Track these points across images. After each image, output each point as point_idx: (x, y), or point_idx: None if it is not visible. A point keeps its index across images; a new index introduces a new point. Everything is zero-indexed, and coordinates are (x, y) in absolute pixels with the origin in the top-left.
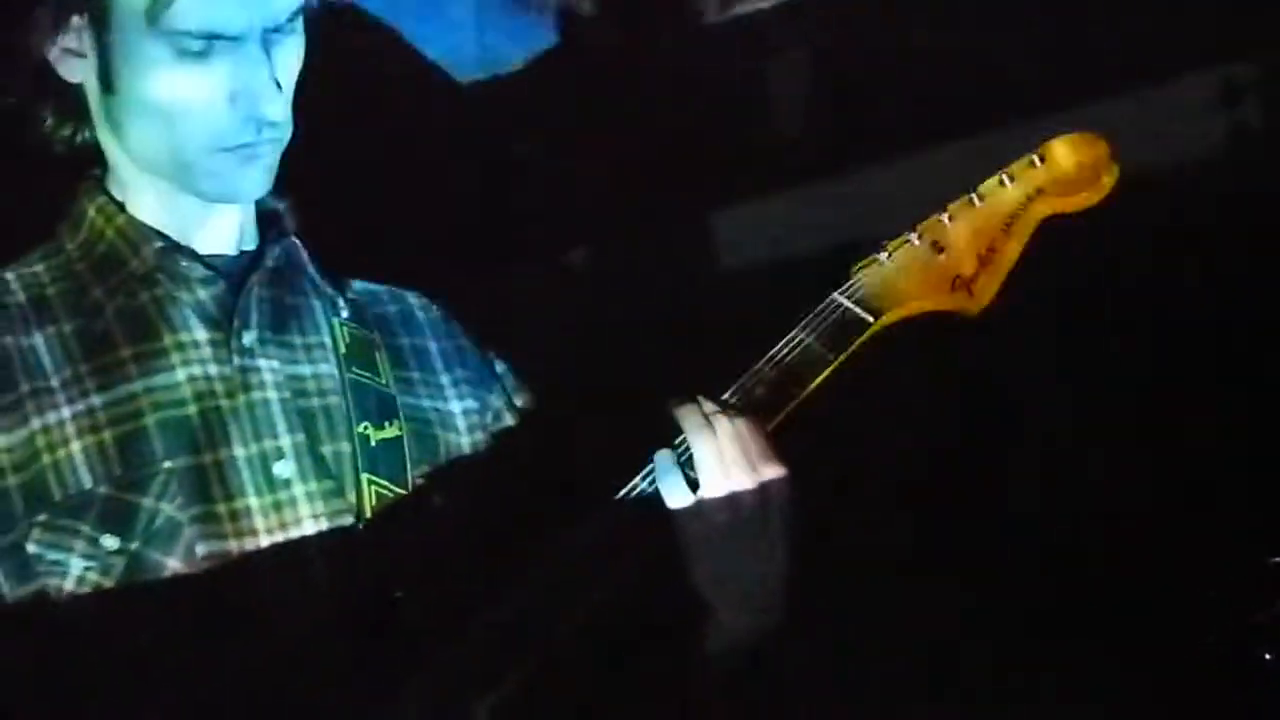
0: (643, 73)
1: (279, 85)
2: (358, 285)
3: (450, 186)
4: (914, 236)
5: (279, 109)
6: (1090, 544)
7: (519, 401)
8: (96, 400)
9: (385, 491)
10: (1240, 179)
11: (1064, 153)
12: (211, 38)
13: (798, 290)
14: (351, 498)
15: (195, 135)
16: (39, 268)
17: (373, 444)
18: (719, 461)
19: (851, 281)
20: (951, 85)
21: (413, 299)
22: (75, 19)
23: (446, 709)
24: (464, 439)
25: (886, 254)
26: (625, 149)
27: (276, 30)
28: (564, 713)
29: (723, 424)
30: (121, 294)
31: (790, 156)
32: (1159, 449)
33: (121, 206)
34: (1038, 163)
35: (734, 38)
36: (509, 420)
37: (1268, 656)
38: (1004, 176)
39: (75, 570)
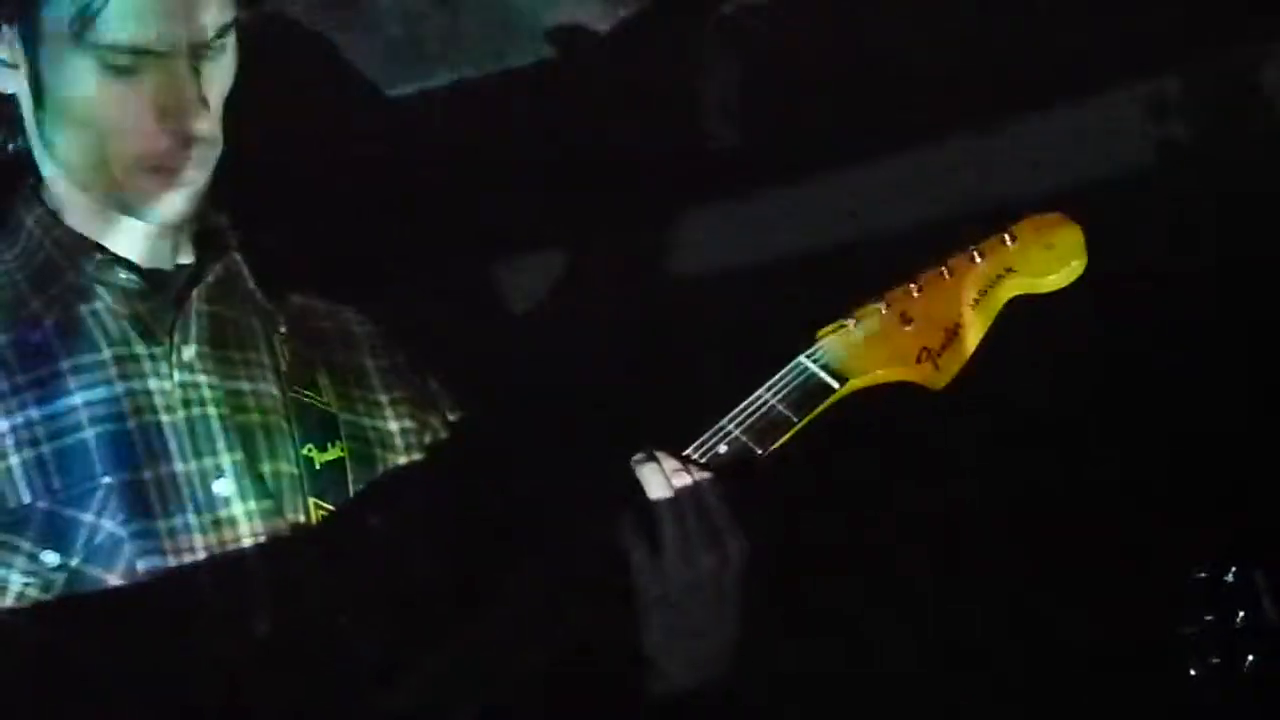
0: (582, 79)
1: (206, 102)
2: (296, 300)
3: (386, 200)
4: (882, 305)
5: (207, 125)
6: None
7: (453, 420)
8: (34, 413)
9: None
10: (1170, 193)
11: (1035, 234)
12: (138, 53)
13: (752, 303)
14: (291, 517)
15: (123, 151)
16: None
17: (317, 466)
18: (678, 524)
19: (818, 346)
20: (908, 90)
21: (350, 315)
22: (5, 29)
23: None
24: (402, 458)
25: (854, 321)
26: (566, 159)
27: (205, 46)
28: None
29: (684, 484)
30: (59, 306)
31: (740, 165)
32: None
33: (58, 217)
34: (1008, 241)
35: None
36: (445, 439)
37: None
38: (975, 253)
39: (15, 586)
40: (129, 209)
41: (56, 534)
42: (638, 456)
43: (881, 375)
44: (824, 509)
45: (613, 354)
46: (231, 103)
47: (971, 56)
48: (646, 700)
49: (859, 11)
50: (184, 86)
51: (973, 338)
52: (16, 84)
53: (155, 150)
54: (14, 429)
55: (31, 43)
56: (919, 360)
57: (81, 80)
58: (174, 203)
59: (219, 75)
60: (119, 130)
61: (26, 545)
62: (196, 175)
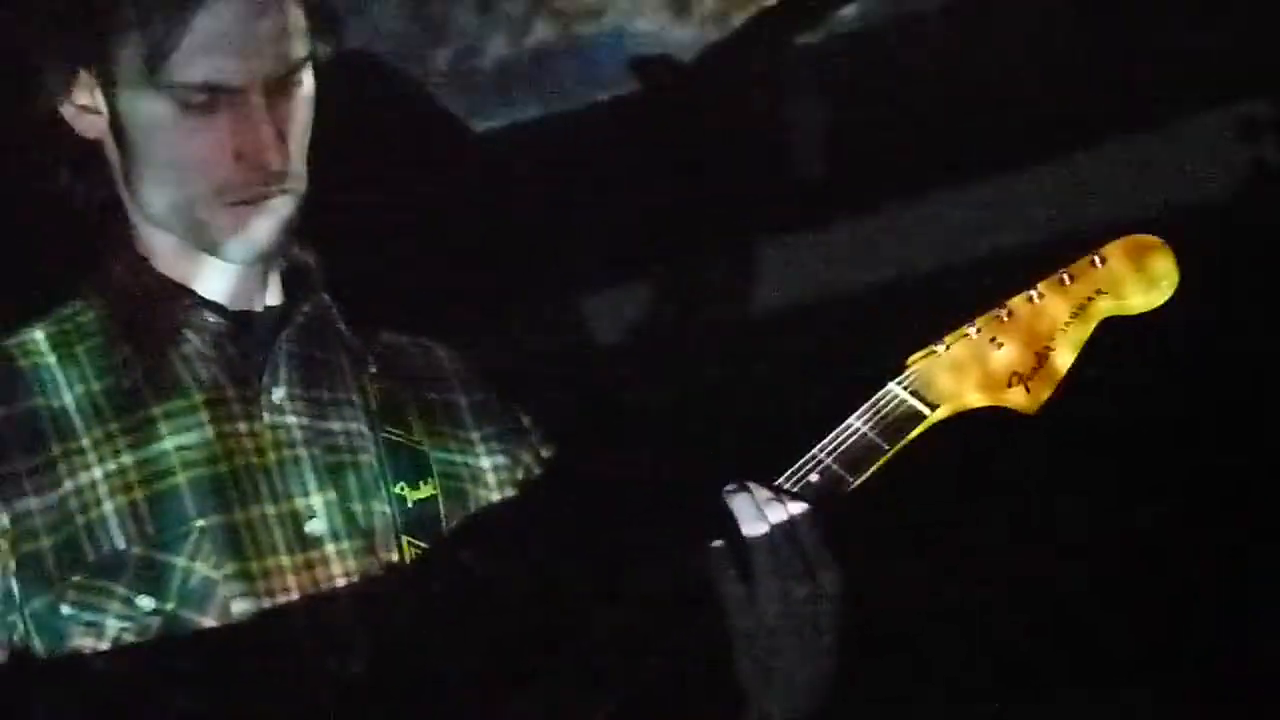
0: (667, 111)
1: (284, 137)
2: (385, 338)
3: (474, 234)
4: (973, 330)
5: (285, 161)
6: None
7: (546, 455)
8: (128, 459)
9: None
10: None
11: (1126, 256)
12: (213, 90)
13: (842, 330)
14: (384, 556)
15: (203, 189)
16: (67, 326)
17: (409, 504)
18: (771, 555)
19: (908, 372)
20: (995, 114)
21: (440, 352)
22: (84, 75)
23: None
24: (494, 495)
25: (945, 346)
26: (653, 191)
27: (280, 82)
28: None
29: (777, 514)
30: (150, 351)
31: (828, 193)
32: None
33: (147, 263)
34: (1098, 263)
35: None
36: (538, 475)
37: None
38: (1065, 275)
39: (111, 631)
40: (213, 248)
41: (151, 578)
42: (729, 487)
43: (973, 401)
44: (917, 537)
45: (702, 384)
46: (317, 140)
47: (1059, 80)
48: None
49: (944, 39)
50: (260, 123)
51: (1064, 361)
52: (99, 129)
53: (234, 186)
54: (108, 475)
55: (110, 86)
56: (1010, 385)
57: (159, 120)
58: (257, 239)
59: (296, 111)
60: (198, 168)
61: (121, 590)
62: (278, 211)
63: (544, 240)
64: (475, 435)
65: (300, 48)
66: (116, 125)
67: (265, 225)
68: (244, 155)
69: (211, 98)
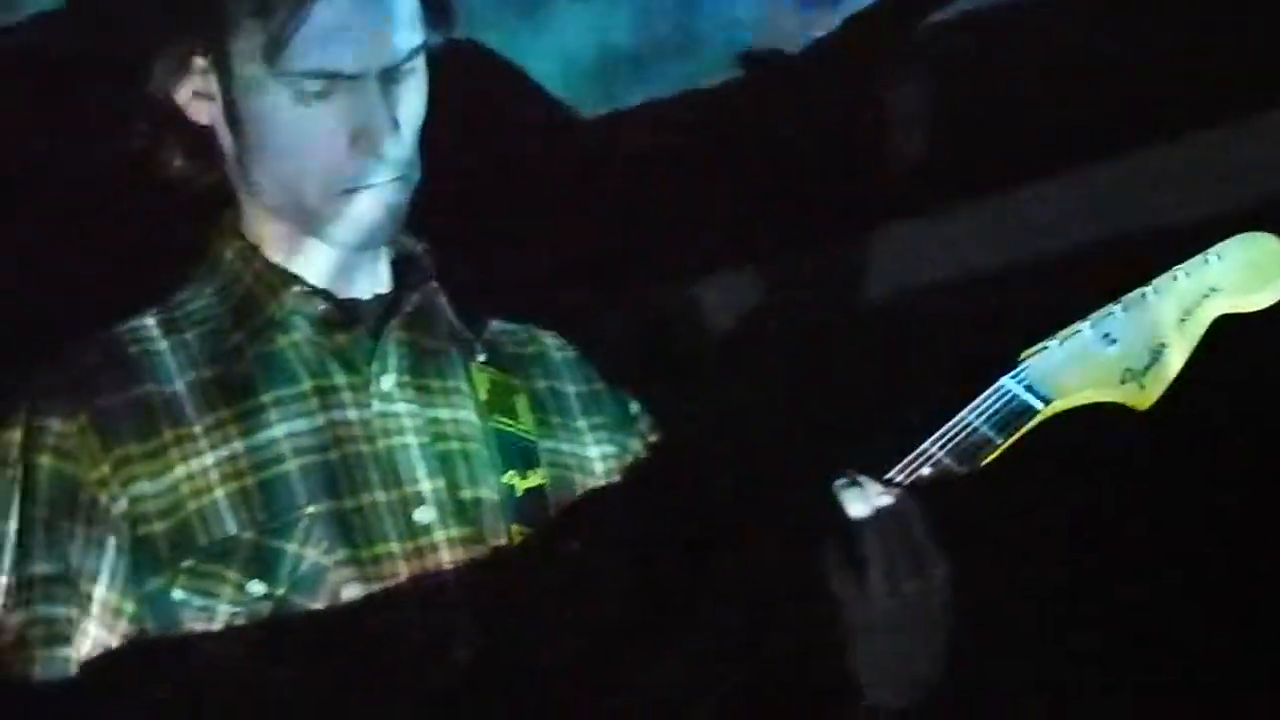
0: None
1: (398, 124)
2: (494, 326)
3: (581, 222)
4: (1085, 326)
5: (400, 149)
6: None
7: (654, 444)
8: (239, 446)
9: None
10: None
11: (1241, 252)
12: (329, 77)
13: (952, 323)
14: (493, 544)
15: (317, 177)
16: (178, 313)
17: (518, 493)
18: (883, 548)
19: (1021, 367)
20: (1105, 102)
21: (549, 340)
22: (199, 61)
23: None
24: (602, 483)
25: (1058, 342)
26: (759, 179)
27: (395, 69)
28: None
29: (888, 508)
30: (261, 339)
31: (936, 182)
32: None
33: (258, 250)
34: (1213, 260)
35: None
36: (645, 463)
37: None
38: (1178, 272)
39: (222, 615)
40: (324, 234)
41: (262, 564)
42: (840, 480)
43: (1086, 396)
44: (1029, 531)
45: (811, 376)
46: (428, 128)
47: (1170, 67)
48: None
49: (1053, 24)
50: (375, 110)
51: (1178, 358)
52: (212, 115)
53: (348, 174)
54: (218, 462)
55: (225, 73)
56: (1123, 381)
57: (273, 107)
58: (369, 226)
59: (410, 98)
60: (312, 155)
61: (233, 575)
62: (390, 198)
63: (652, 229)
64: (584, 424)
65: (414, 36)
66: (230, 112)
67: (377, 212)
68: (358, 142)
69: (327, 85)
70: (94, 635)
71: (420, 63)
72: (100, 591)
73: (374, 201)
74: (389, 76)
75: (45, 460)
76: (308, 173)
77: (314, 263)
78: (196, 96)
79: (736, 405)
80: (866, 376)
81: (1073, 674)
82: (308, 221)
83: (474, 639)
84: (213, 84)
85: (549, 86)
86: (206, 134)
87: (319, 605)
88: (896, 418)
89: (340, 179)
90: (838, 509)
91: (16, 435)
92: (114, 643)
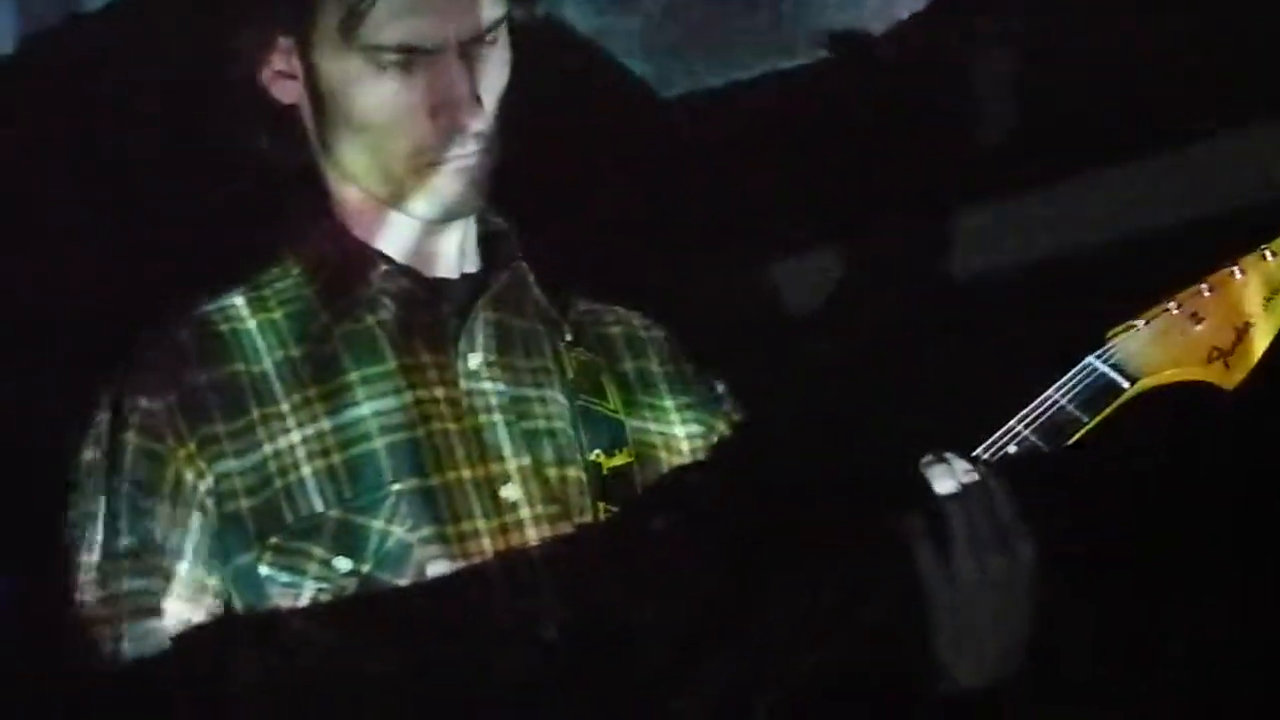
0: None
1: (480, 99)
2: (581, 306)
3: (662, 202)
4: (1172, 305)
5: (481, 121)
6: None
7: (739, 420)
8: (326, 424)
9: None
10: None
11: None
12: (409, 51)
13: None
14: (579, 522)
15: (399, 150)
16: (266, 292)
17: (604, 472)
18: (969, 526)
19: (1107, 346)
20: (1190, 79)
21: (636, 320)
22: (281, 40)
23: None
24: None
25: (1144, 321)
26: (839, 160)
27: (476, 42)
28: None
29: (974, 486)
30: (348, 318)
31: (1021, 162)
32: None
33: (345, 229)
34: None
35: (941, 42)
36: (730, 442)
37: None
38: (1266, 251)
39: (308, 591)
40: (409, 208)
41: (348, 541)
42: (927, 458)
43: (1172, 375)
44: (1115, 509)
45: (899, 354)
46: (512, 104)
47: (1253, 44)
48: (935, 701)
49: (1138, 3)
50: (456, 82)
51: (1264, 337)
52: (296, 94)
53: (430, 146)
54: (305, 440)
55: (307, 49)
56: (1210, 360)
57: (355, 82)
58: (451, 198)
59: (492, 71)
60: (394, 128)
61: (319, 552)
62: (473, 170)
63: (738, 208)
64: (670, 404)
65: (495, 9)
66: (313, 88)
67: (459, 184)
68: (439, 115)
69: (408, 58)
70: (178, 611)
71: (503, 35)
72: (184, 567)
73: (456, 174)
74: (470, 49)
75: (133, 438)
76: (390, 146)
77: (399, 239)
78: (279, 76)
79: (821, 385)
80: (953, 356)
81: (1149, 665)
82: (391, 195)
83: (560, 617)
84: (295, 62)
85: (630, 64)
86: (291, 113)
87: (405, 582)
88: (983, 397)
89: (422, 152)
90: (924, 486)
91: (106, 415)
92: (198, 618)
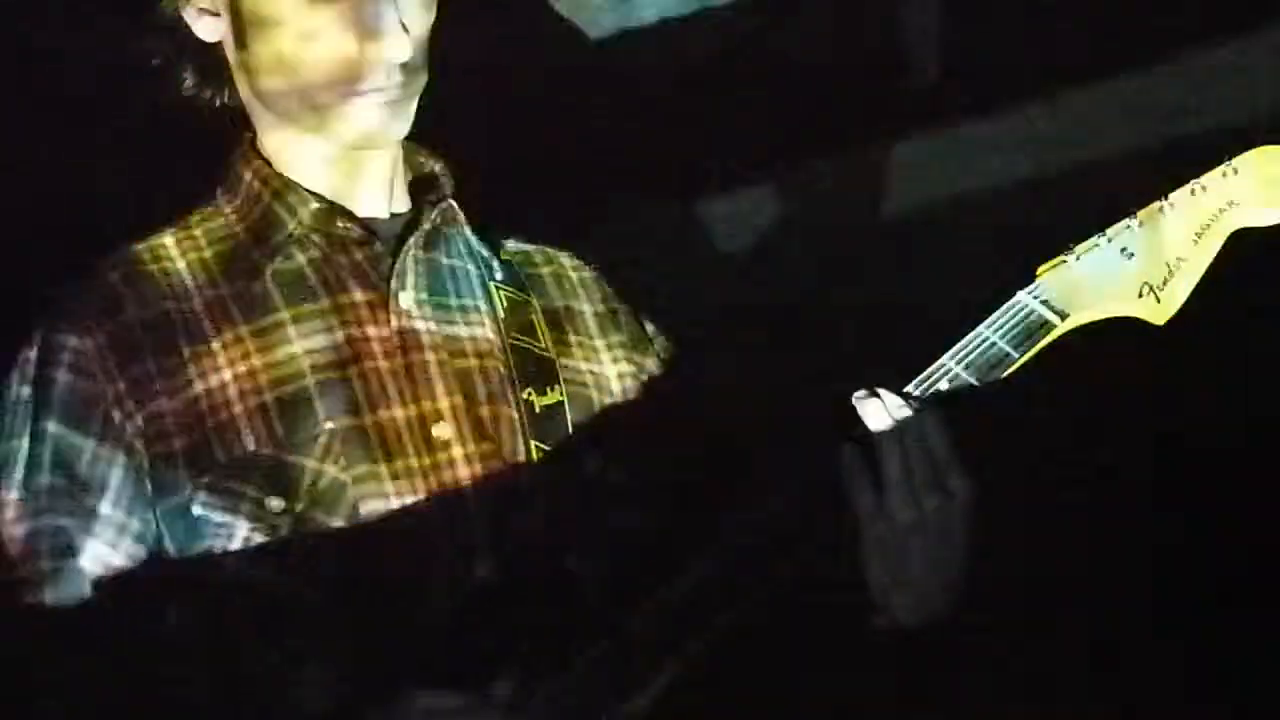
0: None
1: (405, 28)
2: (511, 245)
3: (592, 139)
4: (1102, 240)
5: (407, 51)
6: None
7: (668, 358)
8: (257, 362)
9: None
10: None
11: (1260, 165)
12: None
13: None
14: (511, 460)
15: (326, 80)
16: (197, 231)
17: (537, 410)
18: (902, 462)
19: (1038, 282)
20: (1119, 11)
21: (565, 259)
22: None
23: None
24: (618, 401)
25: (1075, 256)
26: (771, 93)
27: None
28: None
29: (907, 421)
30: (279, 256)
31: (950, 95)
32: None
33: (275, 169)
34: (1231, 174)
35: None
36: (660, 380)
37: None
38: (1195, 186)
39: (241, 532)
40: (334, 135)
41: (281, 480)
42: (859, 394)
43: (1103, 310)
44: (1043, 446)
45: (827, 290)
46: (437, 41)
47: None
48: (869, 638)
49: None
50: (383, 10)
51: (1195, 272)
52: (220, 31)
53: (357, 74)
54: (237, 378)
55: None
56: (1141, 295)
57: (280, 14)
58: (378, 128)
59: (419, 4)
60: (320, 56)
61: (252, 492)
62: (400, 99)
63: (669, 145)
64: (600, 343)
65: None
66: (238, 24)
67: (384, 114)
68: (366, 45)
69: None
70: (97, 552)
71: None
72: (105, 508)
73: (381, 105)
74: None
75: (61, 376)
76: (314, 77)
77: (329, 178)
78: (203, 13)
79: (753, 323)
80: (883, 291)
81: (1087, 598)
82: (318, 126)
83: (493, 556)
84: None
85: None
86: (216, 51)
87: (338, 521)
88: (914, 333)
89: (349, 79)
90: (857, 422)
91: (34, 353)
92: (117, 561)
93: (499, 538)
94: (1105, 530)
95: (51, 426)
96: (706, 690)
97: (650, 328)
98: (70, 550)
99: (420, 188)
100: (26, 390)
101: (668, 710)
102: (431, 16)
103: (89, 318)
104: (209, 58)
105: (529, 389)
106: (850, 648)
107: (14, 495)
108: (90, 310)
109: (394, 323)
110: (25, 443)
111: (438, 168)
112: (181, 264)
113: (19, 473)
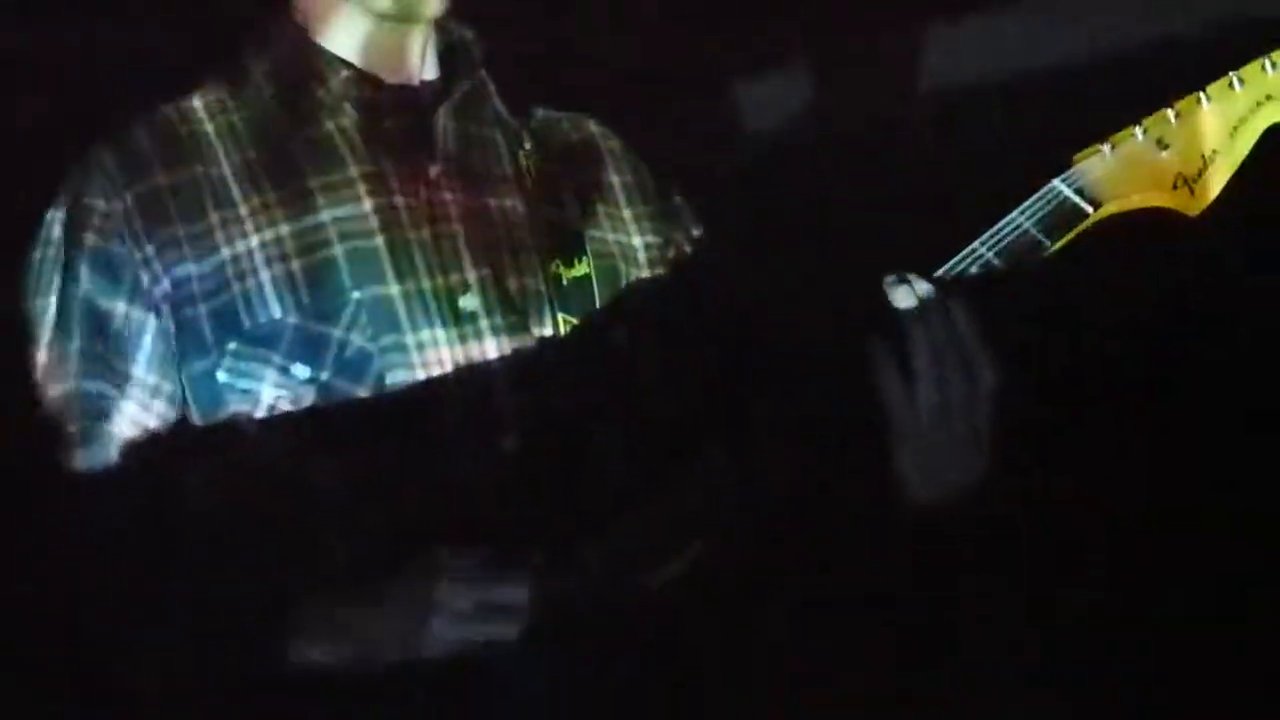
0: None
1: None
2: (541, 114)
3: (625, 15)
4: (1138, 131)
5: None
6: None
7: (698, 235)
8: (284, 229)
9: None
10: None
11: None
12: None
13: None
14: (538, 333)
15: None
16: (225, 95)
17: (564, 282)
18: (930, 347)
19: (1073, 170)
20: None
21: (594, 128)
22: None
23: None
24: (646, 273)
25: (1110, 146)
26: None
27: None
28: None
29: (936, 307)
30: (309, 123)
31: None
32: None
33: (307, 34)
34: (1269, 68)
35: None
36: (690, 255)
37: None
38: (1234, 79)
39: (266, 399)
40: (373, 6)
41: (307, 348)
42: (889, 278)
43: (1136, 200)
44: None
45: (860, 176)
46: None
47: None
48: (895, 524)
49: None
50: None
51: (1230, 166)
52: None
53: None
54: (264, 245)
55: None
56: (1175, 186)
57: None
58: (422, 3)
59: None
60: None
61: (277, 359)
62: None
63: (704, 22)
64: (628, 213)
65: None
66: None
67: None
68: None
69: None
70: (130, 414)
71: None
72: (138, 371)
73: None
74: None
75: (89, 239)
76: None
77: (361, 45)
78: None
79: (785, 202)
80: (916, 177)
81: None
82: None
83: (519, 428)
84: None
85: None
86: None
87: (363, 390)
88: (947, 218)
89: None
90: (886, 306)
91: (61, 214)
92: (149, 422)
93: (525, 411)
94: (1127, 426)
95: (81, 290)
96: (731, 569)
97: (679, 200)
98: (103, 414)
99: (450, 56)
100: (54, 253)
101: (694, 583)
102: None
103: (117, 181)
104: None
105: (556, 261)
106: (875, 535)
107: (44, 358)
108: (118, 173)
109: (423, 193)
110: (55, 306)
111: (469, 36)
112: (210, 128)
113: (49, 335)
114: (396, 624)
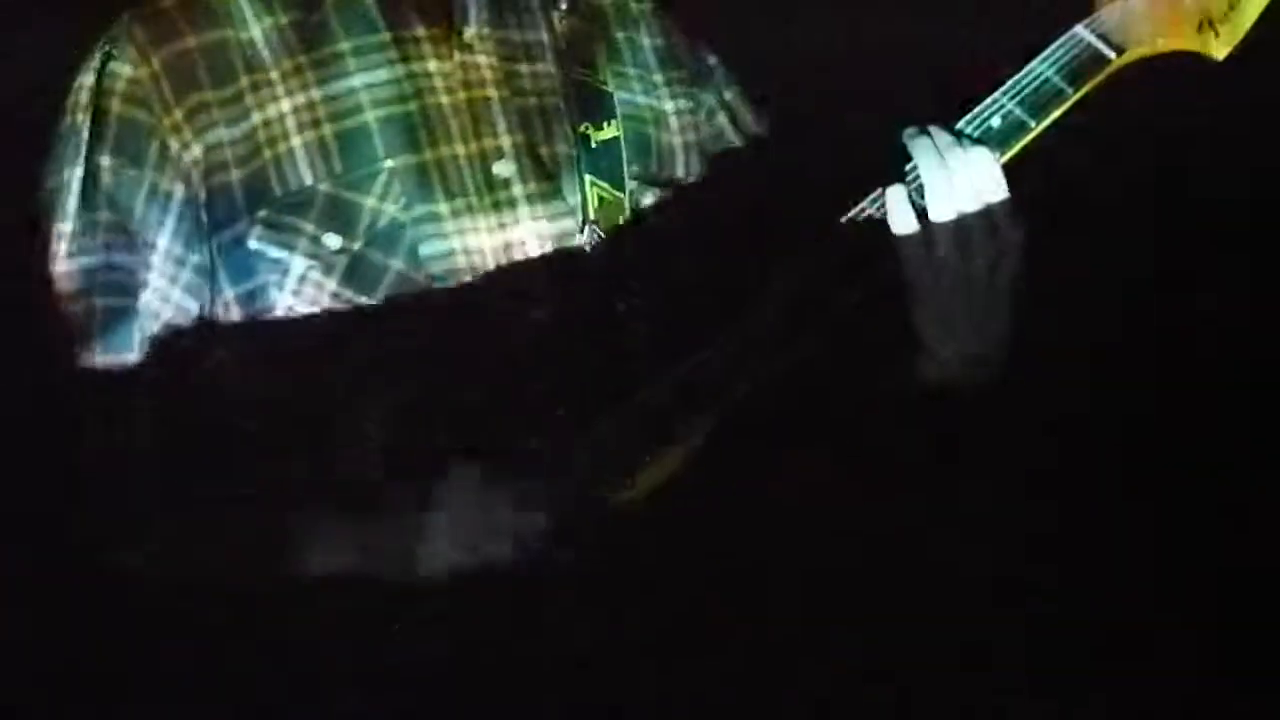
0: None
1: None
2: None
3: None
4: None
5: None
6: None
7: (730, 98)
8: (316, 94)
9: (605, 193)
10: None
11: None
12: None
13: None
14: (571, 199)
15: None
16: None
17: (593, 145)
18: (950, 195)
19: (1095, 15)
20: None
21: None
22: None
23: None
24: (676, 139)
25: None
26: None
27: None
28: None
29: (956, 156)
30: None
31: None
32: None
33: None
34: None
35: None
36: (721, 119)
37: None
38: None
39: (297, 269)
40: None
41: (339, 217)
42: (909, 130)
43: (1161, 45)
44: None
45: (879, 30)
46: None
47: None
48: (913, 388)
49: None
50: None
51: (1254, 9)
52: None
53: None
54: (295, 110)
55: None
56: (1200, 29)
57: None
58: None
59: None
60: None
61: (309, 228)
62: None
63: None
64: (659, 77)
65: None
66: None
67: None
68: None
69: None
70: (155, 285)
71: None
72: (164, 241)
73: None
74: None
75: (116, 106)
76: None
77: None
78: None
79: (812, 61)
80: (935, 29)
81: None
82: None
83: (551, 298)
84: None
85: None
86: None
87: (396, 261)
88: (967, 69)
89: None
90: (908, 160)
91: (89, 80)
92: (176, 294)
93: (557, 282)
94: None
95: (106, 160)
96: (753, 436)
97: (712, 61)
98: (127, 289)
99: None
100: (81, 119)
101: (716, 455)
102: None
103: (145, 46)
104: None
105: (585, 122)
106: (898, 398)
107: (68, 228)
108: (146, 38)
109: (456, 56)
110: (79, 176)
111: None
112: None
113: (73, 204)
114: (395, 538)
